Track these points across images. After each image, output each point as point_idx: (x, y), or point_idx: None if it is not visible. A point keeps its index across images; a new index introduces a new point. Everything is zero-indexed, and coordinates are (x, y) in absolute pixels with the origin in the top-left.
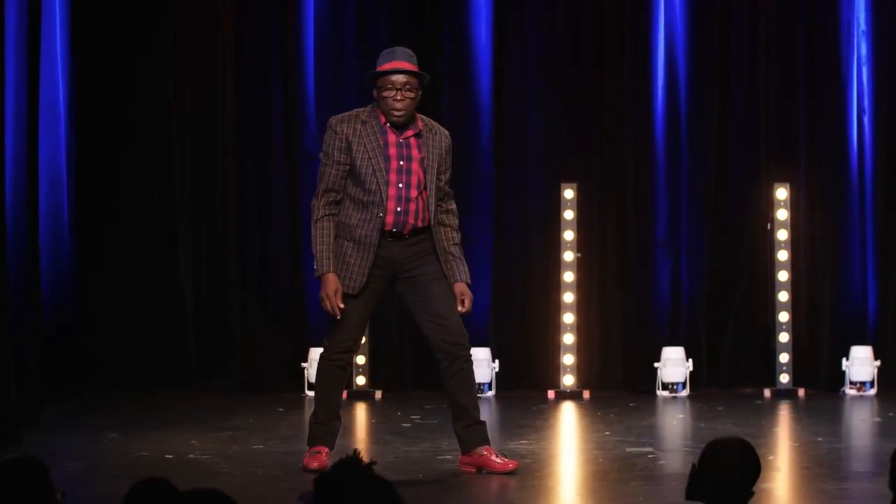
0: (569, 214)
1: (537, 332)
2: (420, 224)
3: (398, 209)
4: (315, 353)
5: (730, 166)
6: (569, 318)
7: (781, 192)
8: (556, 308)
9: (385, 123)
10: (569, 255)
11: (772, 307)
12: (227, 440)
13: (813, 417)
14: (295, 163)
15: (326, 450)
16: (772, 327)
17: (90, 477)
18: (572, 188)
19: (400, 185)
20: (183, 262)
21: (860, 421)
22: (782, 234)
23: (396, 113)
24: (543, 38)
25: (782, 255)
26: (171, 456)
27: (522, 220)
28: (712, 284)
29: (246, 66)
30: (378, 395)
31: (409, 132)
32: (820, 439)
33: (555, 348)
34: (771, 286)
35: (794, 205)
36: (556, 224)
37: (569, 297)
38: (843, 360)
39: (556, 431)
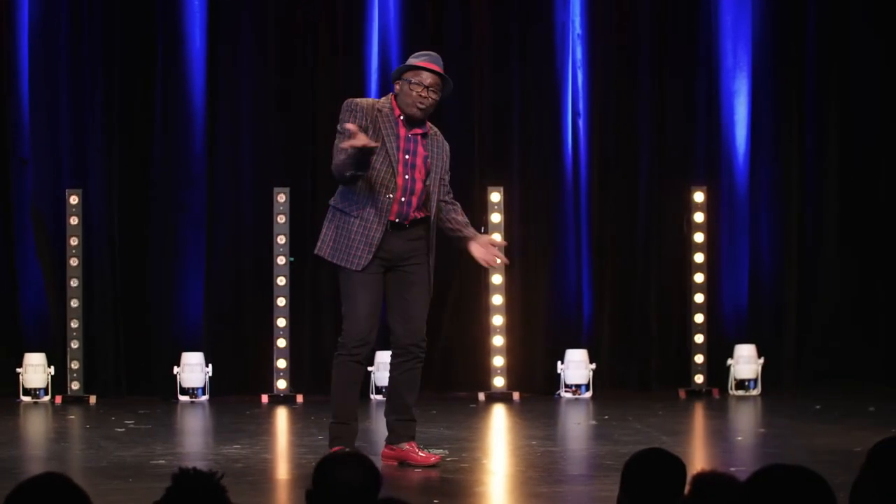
0: (281, 218)
1: (250, 338)
2: (419, 216)
3: (402, 199)
4: (31, 358)
5: None
6: (281, 321)
7: (495, 196)
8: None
9: (399, 116)
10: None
11: (486, 310)
12: None
13: (527, 421)
14: (7, 167)
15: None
16: (486, 330)
17: None
18: (285, 193)
19: (406, 177)
20: None
21: (575, 424)
22: (496, 237)
23: (420, 107)
24: (257, 41)
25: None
26: None
27: (235, 222)
28: None
29: None
30: (92, 399)
31: (418, 130)
32: (534, 442)
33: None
34: (485, 289)
35: (508, 208)
36: (269, 227)
37: (281, 301)
38: (559, 363)
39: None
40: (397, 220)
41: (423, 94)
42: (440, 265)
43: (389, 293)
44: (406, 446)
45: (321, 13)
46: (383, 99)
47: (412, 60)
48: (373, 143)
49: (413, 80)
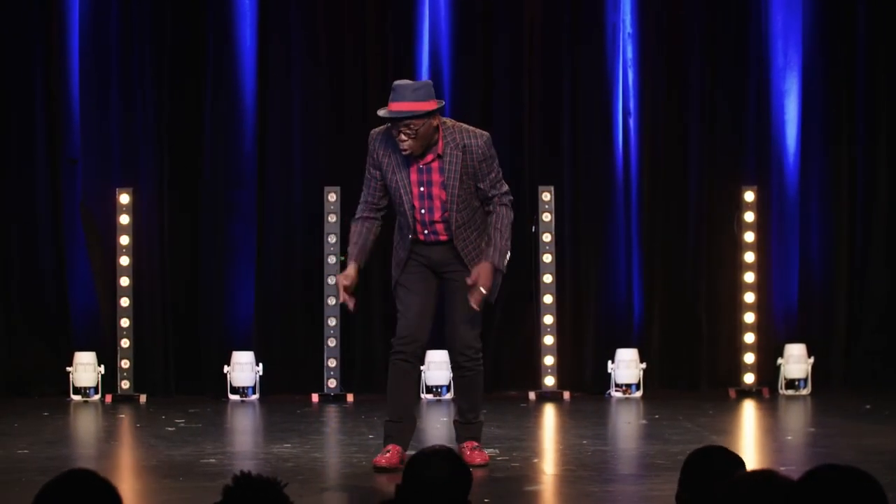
0: (332, 217)
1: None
2: (446, 238)
3: (425, 231)
4: (81, 356)
5: None
6: (332, 321)
7: (546, 195)
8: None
9: None
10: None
11: (536, 310)
12: None
13: (578, 420)
14: (57, 166)
15: (398, 448)
16: (536, 330)
17: None
18: (336, 192)
19: (423, 211)
20: None
21: (625, 423)
22: (546, 237)
23: (404, 153)
24: (307, 39)
25: (546, 258)
26: None
27: (286, 221)
28: None
29: (8, 70)
30: (142, 398)
31: (430, 157)
32: (585, 442)
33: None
34: (536, 288)
35: (559, 207)
36: (320, 226)
37: (332, 301)
38: (609, 362)
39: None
40: (429, 242)
41: (401, 139)
42: None
43: (445, 302)
44: (464, 445)
45: (371, 11)
46: None
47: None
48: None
49: (391, 129)
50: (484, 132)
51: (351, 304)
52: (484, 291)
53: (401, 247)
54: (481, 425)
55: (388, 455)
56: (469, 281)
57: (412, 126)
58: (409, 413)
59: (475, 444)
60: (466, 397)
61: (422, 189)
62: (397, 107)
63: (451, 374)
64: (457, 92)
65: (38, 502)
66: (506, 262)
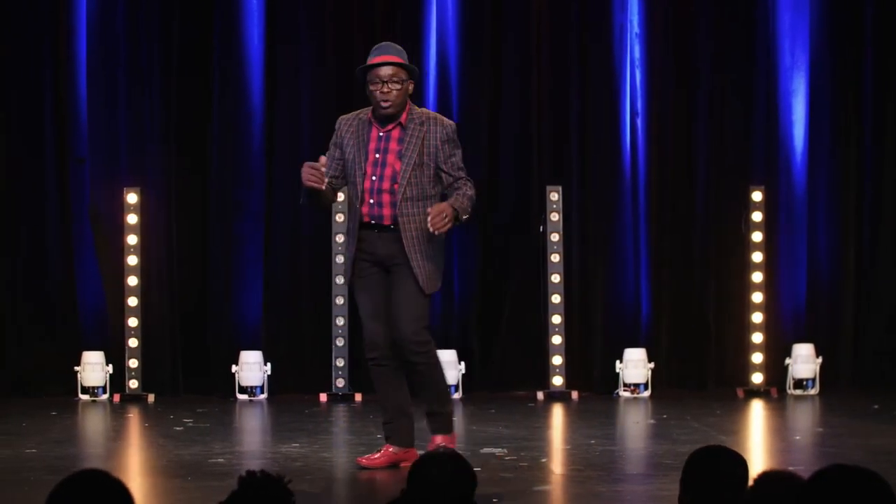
0: (340, 217)
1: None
2: (390, 212)
3: (371, 200)
4: (89, 356)
5: (501, 169)
6: (340, 320)
7: (554, 195)
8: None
9: (371, 119)
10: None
11: (544, 309)
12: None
13: (586, 420)
14: (65, 166)
15: (390, 448)
16: (544, 329)
17: None
18: (343, 191)
19: (374, 178)
20: None
21: (634, 423)
22: (554, 237)
23: (384, 104)
24: (315, 39)
25: (555, 258)
26: None
27: (294, 220)
28: (483, 286)
29: (16, 70)
30: (151, 398)
31: (391, 125)
32: (593, 441)
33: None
34: (543, 288)
35: (567, 207)
36: (328, 225)
37: (339, 300)
38: (617, 362)
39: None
40: (373, 221)
41: (383, 91)
42: (496, 264)
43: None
44: (437, 438)
45: (380, 11)
46: (371, 107)
47: (368, 59)
48: (315, 185)
49: (371, 81)
50: (451, 121)
51: (322, 182)
52: (447, 219)
53: (351, 241)
54: (449, 416)
55: (375, 456)
56: (430, 209)
57: (397, 77)
58: (400, 412)
59: (440, 437)
60: (426, 392)
61: (377, 156)
62: (387, 59)
63: (405, 369)
64: (465, 91)
65: (51, 501)
66: (463, 218)
